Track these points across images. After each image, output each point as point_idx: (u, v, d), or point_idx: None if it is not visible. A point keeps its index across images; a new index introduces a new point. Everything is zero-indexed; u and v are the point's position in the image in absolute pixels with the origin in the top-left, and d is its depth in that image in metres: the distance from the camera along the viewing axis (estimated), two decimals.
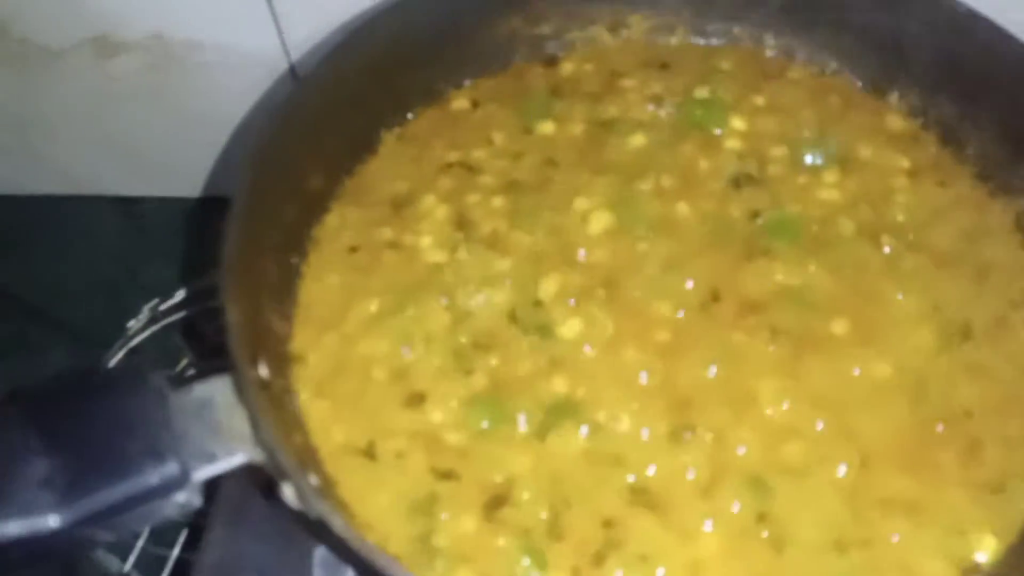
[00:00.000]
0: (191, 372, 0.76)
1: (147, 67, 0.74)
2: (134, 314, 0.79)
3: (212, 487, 0.45)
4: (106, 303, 0.81)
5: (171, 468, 0.39)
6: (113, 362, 0.78)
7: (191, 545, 0.67)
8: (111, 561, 0.70)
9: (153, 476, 0.39)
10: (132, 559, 0.71)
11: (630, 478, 0.47)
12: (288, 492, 0.41)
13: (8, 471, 0.38)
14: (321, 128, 0.56)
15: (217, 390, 0.42)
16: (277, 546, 0.50)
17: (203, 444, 0.41)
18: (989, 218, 0.56)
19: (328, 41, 0.62)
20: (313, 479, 0.41)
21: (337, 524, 0.38)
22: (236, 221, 0.47)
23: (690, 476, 0.47)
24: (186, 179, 0.84)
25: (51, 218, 0.87)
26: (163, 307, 0.79)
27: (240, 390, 0.42)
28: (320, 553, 0.50)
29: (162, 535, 0.71)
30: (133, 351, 0.79)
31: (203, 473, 0.41)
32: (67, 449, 0.39)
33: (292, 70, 0.72)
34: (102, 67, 0.74)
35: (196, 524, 0.65)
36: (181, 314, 0.79)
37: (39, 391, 0.41)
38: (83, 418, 0.40)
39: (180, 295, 0.79)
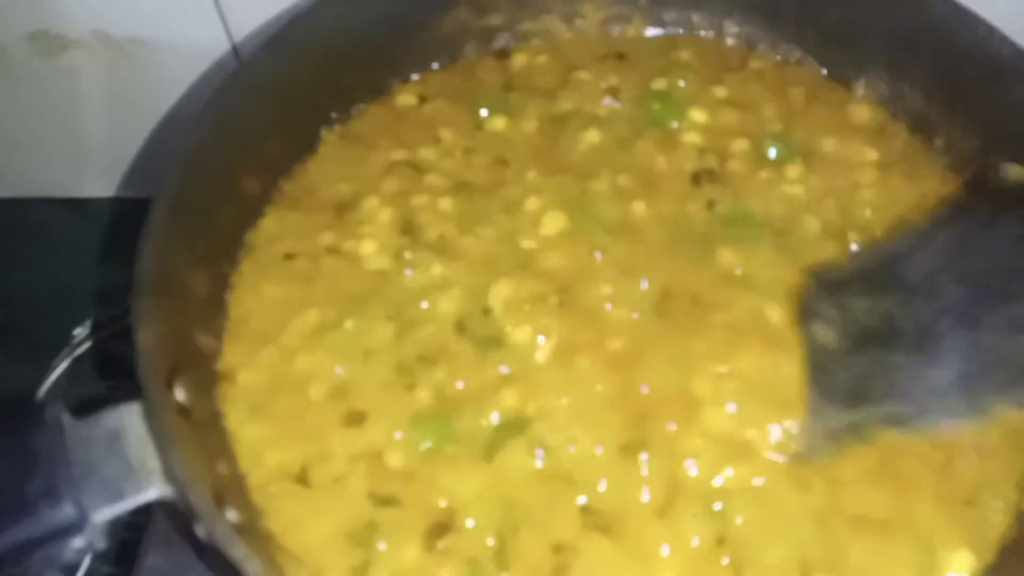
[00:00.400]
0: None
1: (92, 63, 0.71)
2: (79, 320, 0.75)
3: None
4: (58, 308, 0.78)
5: (66, 511, 0.36)
6: (58, 372, 0.75)
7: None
8: None
9: (48, 519, 0.35)
10: None
11: (582, 499, 0.44)
12: (201, 531, 0.37)
13: None
14: (257, 125, 0.53)
15: (126, 418, 0.39)
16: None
17: (108, 480, 0.37)
18: None
19: (270, 27, 0.59)
20: (232, 515, 0.38)
21: (253, 570, 0.35)
22: (155, 231, 0.44)
23: (644, 497, 0.44)
24: (137, 178, 0.81)
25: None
26: (109, 315, 0.76)
27: (149, 418, 0.39)
28: None
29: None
30: (78, 360, 0.76)
31: (105, 514, 0.37)
32: None
33: (236, 55, 0.69)
34: (44, 64, 0.71)
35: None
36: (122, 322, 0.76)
37: None
38: None
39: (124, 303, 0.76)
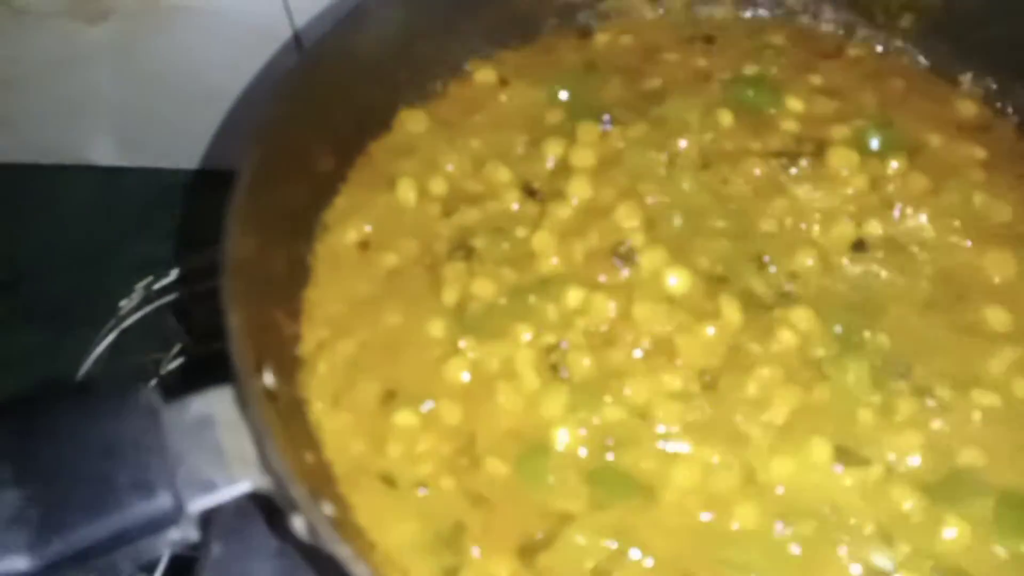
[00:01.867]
0: (184, 366, 0.72)
1: (134, 32, 0.70)
2: (119, 292, 0.75)
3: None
4: (89, 281, 0.77)
5: (163, 500, 0.34)
6: (104, 345, 0.74)
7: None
8: None
9: (142, 510, 0.33)
10: None
11: None
12: (299, 525, 0.35)
13: None
14: (332, 104, 0.50)
15: (217, 405, 0.37)
16: (283, 565, 0.45)
17: (201, 470, 0.35)
18: None
19: (335, 7, 0.57)
20: (327, 508, 0.36)
21: (360, 572, 0.33)
22: (240, 210, 0.42)
23: None
24: (175, 151, 0.81)
25: (33, 189, 0.83)
26: (157, 287, 0.75)
27: (244, 404, 0.37)
28: None
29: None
30: (124, 333, 0.75)
31: (200, 504, 0.35)
32: (41, 479, 0.33)
33: (296, 38, 0.69)
34: (86, 32, 0.71)
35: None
36: (174, 295, 0.75)
37: (9, 409, 0.36)
38: (61, 442, 0.34)
39: (174, 274, 0.75)
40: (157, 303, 0.75)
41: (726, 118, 0.52)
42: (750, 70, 0.55)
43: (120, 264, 0.77)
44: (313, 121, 0.49)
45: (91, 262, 0.78)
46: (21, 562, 0.31)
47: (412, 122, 0.54)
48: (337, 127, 0.52)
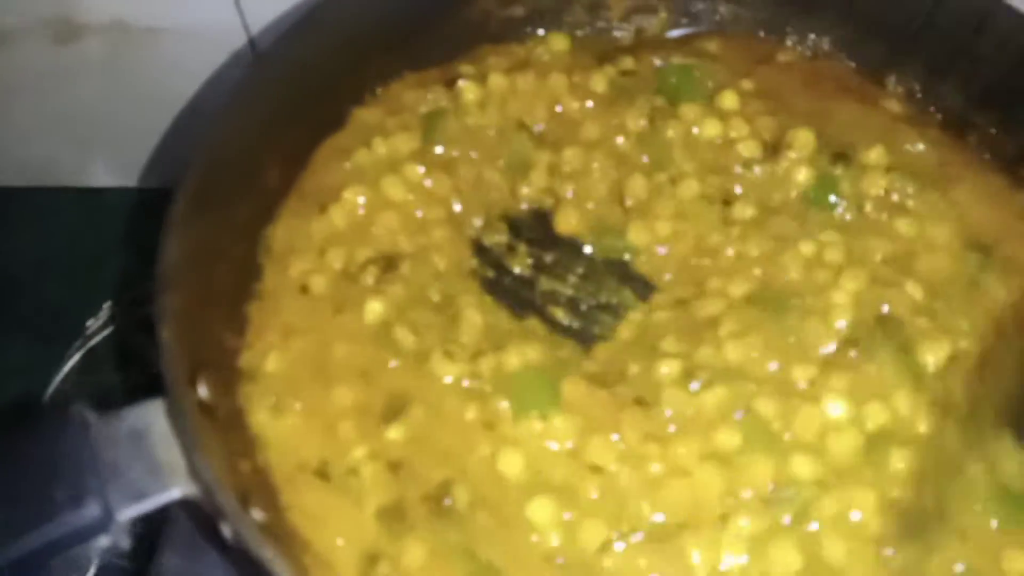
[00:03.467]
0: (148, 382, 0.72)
1: (107, 51, 0.71)
2: (95, 310, 0.75)
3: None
4: (68, 297, 0.78)
5: (92, 510, 0.35)
6: (71, 363, 0.75)
7: None
8: None
9: (73, 521, 0.35)
10: None
11: None
12: (226, 531, 0.37)
13: None
14: (280, 114, 0.52)
15: (150, 416, 0.38)
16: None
17: (132, 480, 0.37)
18: None
19: (287, 18, 0.59)
20: (257, 514, 0.38)
21: (279, 571, 0.34)
22: (178, 223, 0.43)
23: None
24: (147, 168, 0.81)
25: (8, 210, 0.83)
26: (123, 305, 0.76)
27: (173, 416, 0.38)
28: None
29: None
30: (91, 352, 0.75)
31: (130, 512, 0.37)
32: None
33: (252, 46, 0.69)
34: (60, 51, 0.71)
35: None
36: (141, 311, 0.76)
37: None
38: (6, 461, 0.36)
39: (139, 291, 0.76)
40: (124, 320, 0.77)
41: None
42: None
43: (97, 281, 0.77)
44: (258, 135, 0.50)
45: (69, 280, 0.79)
46: None
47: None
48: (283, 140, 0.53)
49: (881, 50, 0.56)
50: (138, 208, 0.82)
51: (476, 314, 0.48)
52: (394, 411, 0.44)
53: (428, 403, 0.45)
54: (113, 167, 0.82)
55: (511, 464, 0.43)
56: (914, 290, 0.48)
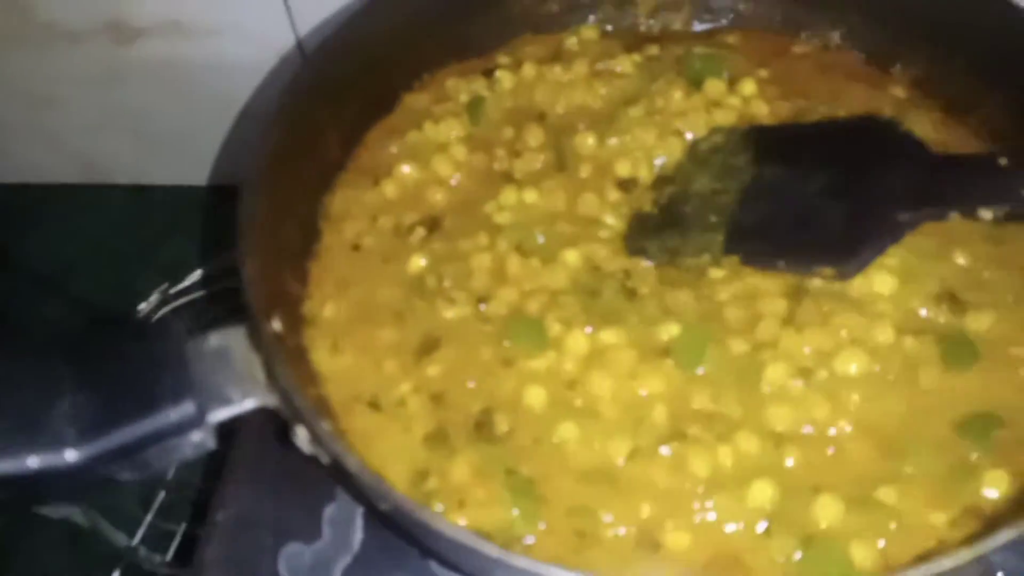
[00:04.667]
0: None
1: (163, 52, 0.75)
2: (146, 294, 0.79)
3: (225, 444, 0.46)
4: (120, 283, 0.83)
5: (188, 408, 0.40)
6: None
7: (198, 519, 0.67)
8: (118, 536, 0.71)
9: (171, 415, 0.40)
10: (140, 533, 0.72)
11: None
12: (302, 436, 0.41)
13: (41, 407, 0.39)
14: (340, 95, 0.57)
15: (233, 339, 0.43)
16: (288, 503, 0.51)
17: (219, 388, 0.42)
18: None
19: (333, 21, 0.62)
20: (326, 425, 0.42)
21: (351, 463, 0.39)
22: (254, 182, 0.48)
23: None
24: (200, 166, 0.85)
25: (67, 203, 0.89)
26: (173, 290, 0.80)
27: (255, 339, 0.43)
28: (329, 511, 0.51)
29: (169, 510, 0.72)
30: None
31: (218, 415, 0.42)
32: (94, 388, 0.40)
33: (300, 48, 0.73)
34: (118, 52, 0.75)
35: (202, 501, 0.66)
36: (189, 297, 0.80)
37: (78, 334, 0.43)
38: (113, 360, 0.41)
39: (190, 279, 0.80)
40: (173, 304, 0.81)
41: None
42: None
43: (147, 270, 0.82)
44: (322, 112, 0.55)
45: (121, 268, 0.84)
46: (71, 455, 0.38)
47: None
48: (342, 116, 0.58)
49: (888, 40, 0.60)
50: (186, 204, 0.87)
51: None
52: (427, 349, 0.49)
53: (456, 343, 0.49)
54: (166, 164, 0.87)
55: (535, 397, 0.47)
56: None
